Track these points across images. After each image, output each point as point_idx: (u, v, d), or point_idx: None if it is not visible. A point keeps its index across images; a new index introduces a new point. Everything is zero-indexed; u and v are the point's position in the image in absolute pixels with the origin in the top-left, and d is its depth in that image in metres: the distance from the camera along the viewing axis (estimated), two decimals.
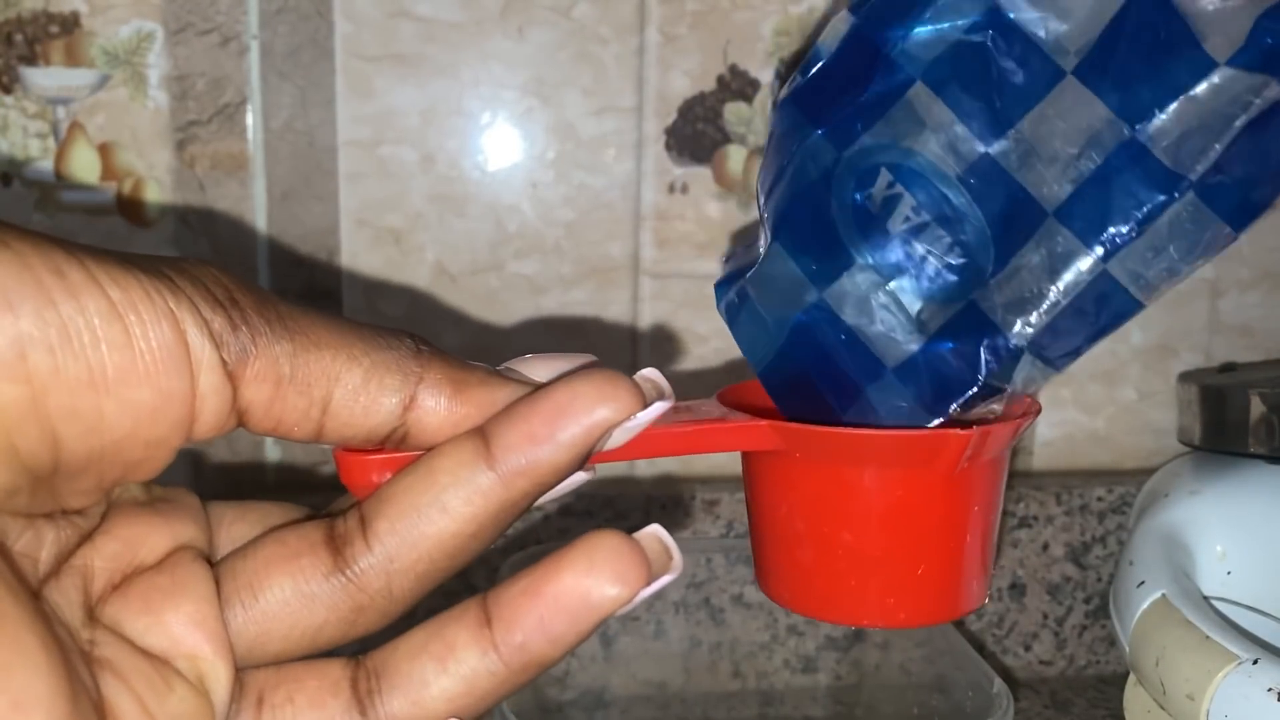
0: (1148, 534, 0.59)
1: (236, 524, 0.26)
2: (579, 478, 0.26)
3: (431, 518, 0.24)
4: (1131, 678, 0.56)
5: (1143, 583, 0.55)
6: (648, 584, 0.24)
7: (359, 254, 0.62)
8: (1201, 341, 0.70)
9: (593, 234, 0.64)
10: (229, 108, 0.60)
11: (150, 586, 0.23)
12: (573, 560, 0.24)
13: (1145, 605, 0.54)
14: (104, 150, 0.60)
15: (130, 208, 0.60)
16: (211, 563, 0.25)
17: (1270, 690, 0.46)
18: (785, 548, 0.31)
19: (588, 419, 0.23)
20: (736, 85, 0.63)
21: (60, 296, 0.19)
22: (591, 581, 0.24)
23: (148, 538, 0.24)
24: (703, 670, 0.64)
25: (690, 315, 0.65)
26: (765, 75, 0.63)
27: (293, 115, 0.61)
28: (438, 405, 0.24)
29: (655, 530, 0.25)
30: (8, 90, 0.58)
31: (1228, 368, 0.68)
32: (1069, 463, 0.71)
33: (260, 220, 0.61)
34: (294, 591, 0.24)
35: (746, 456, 0.33)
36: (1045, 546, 0.67)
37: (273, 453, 0.63)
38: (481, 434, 0.24)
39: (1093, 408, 0.70)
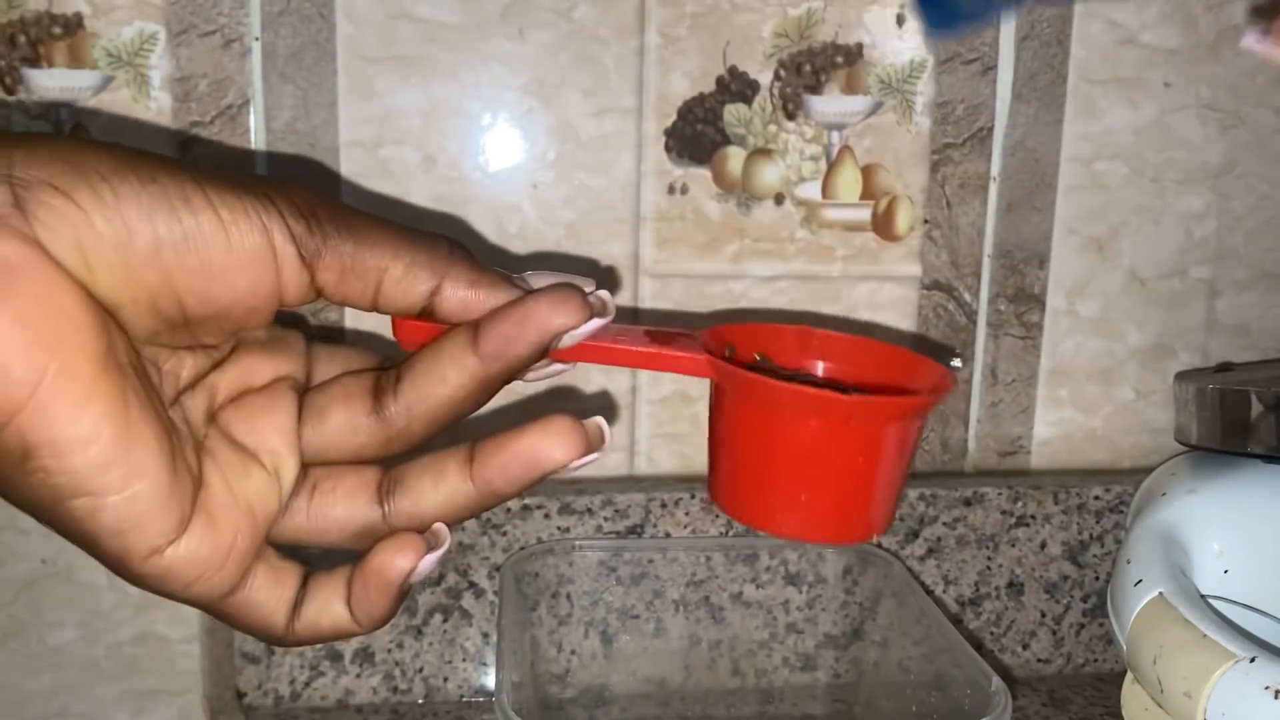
0: (1145, 533, 0.59)
1: (326, 362, 0.36)
2: (556, 368, 0.36)
3: (435, 384, 0.33)
4: (1129, 676, 0.57)
5: (1140, 581, 0.56)
6: (583, 455, 0.34)
7: None
8: (1198, 341, 0.70)
9: (593, 234, 0.64)
10: (231, 109, 0.60)
11: (253, 402, 0.33)
12: (534, 429, 0.33)
13: (1143, 604, 0.54)
14: None
15: None
16: (304, 390, 0.35)
17: (1267, 688, 0.46)
18: (716, 455, 0.39)
19: (545, 324, 0.33)
20: (736, 87, 0.64)
21: (185, 214, 0.29)
22: (543, 444, 0.33)
23: (259, 368, 0.34)
24: (702, 668, 0.65)
25: (690, 315, 0.65)
26: (765, 77, 0.64)
27: (295, 116, 0.61)
28: (455, 295, 0.33)
29: (597, 420, 0.35)
30: (11, 91, 0.59)
31: (1225, 367, 0.69)
32: (1066, 462, 0.71)
33: None
34: (346, 421, 0.34)
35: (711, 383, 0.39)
36: (1043, 545, 0.67)
37: None
38: (474, 327, 0.33)
39: (1090, 407, 0.70)
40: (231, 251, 0.29)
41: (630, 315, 0.65)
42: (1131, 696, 0.56)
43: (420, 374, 0.33)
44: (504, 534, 0.62)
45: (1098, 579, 0.68)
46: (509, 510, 0.62)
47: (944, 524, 0.66)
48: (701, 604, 0.64)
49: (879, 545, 0.65)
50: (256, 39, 0.60)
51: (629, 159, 0.64)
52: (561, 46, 0.62)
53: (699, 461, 0.67)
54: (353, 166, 0.62)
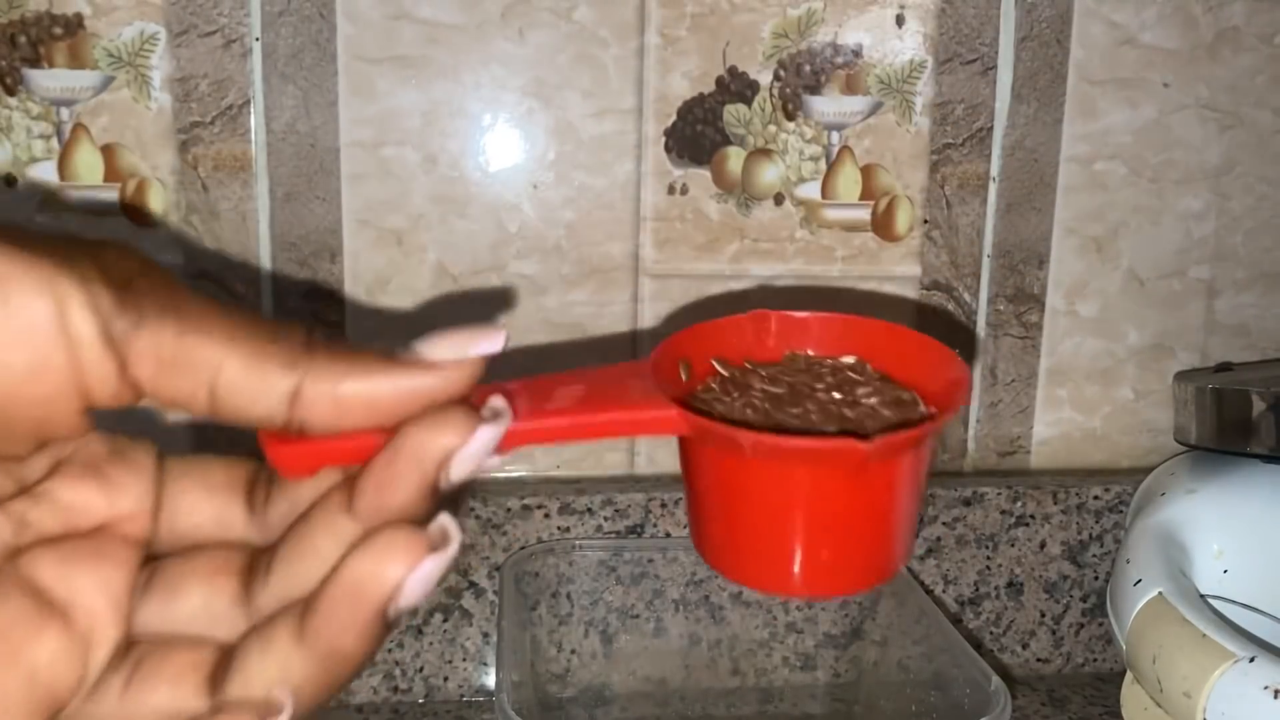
0: (1144, 532, 0.59)
1: (183, 479, 0.28)
2: (486, 434, 0.26)
3: (310, 563, 0.26)
4: (1128, 675, 0.57)
5: (1139, 581, 0.56)
6: (423, 564, 0.25)
7: (361, 254, 0.63)
8: (1198, 341, 0.71)
9: (593, 234, 0.64)
10: (232, 109, 0.60)
11: (75, 548, 0.26)
12: (357, 552, 0.25)
13: (1142, 603, 0.54)
14: (107, 151, 0.60)
15: (133, 209, 0.61)
16: (149, 539, 0.27)
17: (1267, 688, 0.47)
18: (702, 511, 0.32)
19: (420, 457, 0.26)
20: (736, 87, 0.64)
21: None
22: (368, 569, 0.25)
23: (87, 501, 0.27)
24: (702, 667, 0.65)
25: (690, 315, 0.65)
26: (764, 77, 0.64)
27: (295, 117, 0.61)
28: (320, 398, 0.25)
29: (441, 520, 0.26)
30: (11, 92, 0.59)
31: (1224, 367, 0.69)
32: (1066, 462, 0.71)
33: (263, 221, 0.61)
34: (204, 606, 0.27)
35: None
36: (1042, 545, 0.67)
37: None
38: (347, 485, 0.26)
39: (1090, 407, 0.70)
40: (6, 319, 0.23)
41: (630, 315, 0.65)
42: (1131, 696, 0.57)
43: (292, 551, 0.26)
44: (504, 534, 0.62)
45: (1097, 579, 0.68)
46: (509, 510, 0.62)
47: (943, 524, 0.66)
48: (701, 603, 0.64)
49: None
50: (257, 39, 0.60)
51: (629, 159, 0.64)
52: (561, 47, 0.62)
53: None
54: (353, 167, 0.62)
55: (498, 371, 0.27)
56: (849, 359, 0.35)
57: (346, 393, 0.25)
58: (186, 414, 0.25)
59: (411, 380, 0.26)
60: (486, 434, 0.26)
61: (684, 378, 0.33)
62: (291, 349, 0.25)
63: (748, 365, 0.35)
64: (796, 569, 0.31)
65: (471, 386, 0.27)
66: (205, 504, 0.28)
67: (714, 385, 0.34)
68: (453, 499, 0.27)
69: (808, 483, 0.30)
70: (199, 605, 0.27)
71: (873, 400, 0.33)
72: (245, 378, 0.25)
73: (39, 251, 0.23)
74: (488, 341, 0.27)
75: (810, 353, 0.36)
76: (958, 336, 0.68)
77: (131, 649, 0.27)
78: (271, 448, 0.27)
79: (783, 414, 0.32)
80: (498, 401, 0.27)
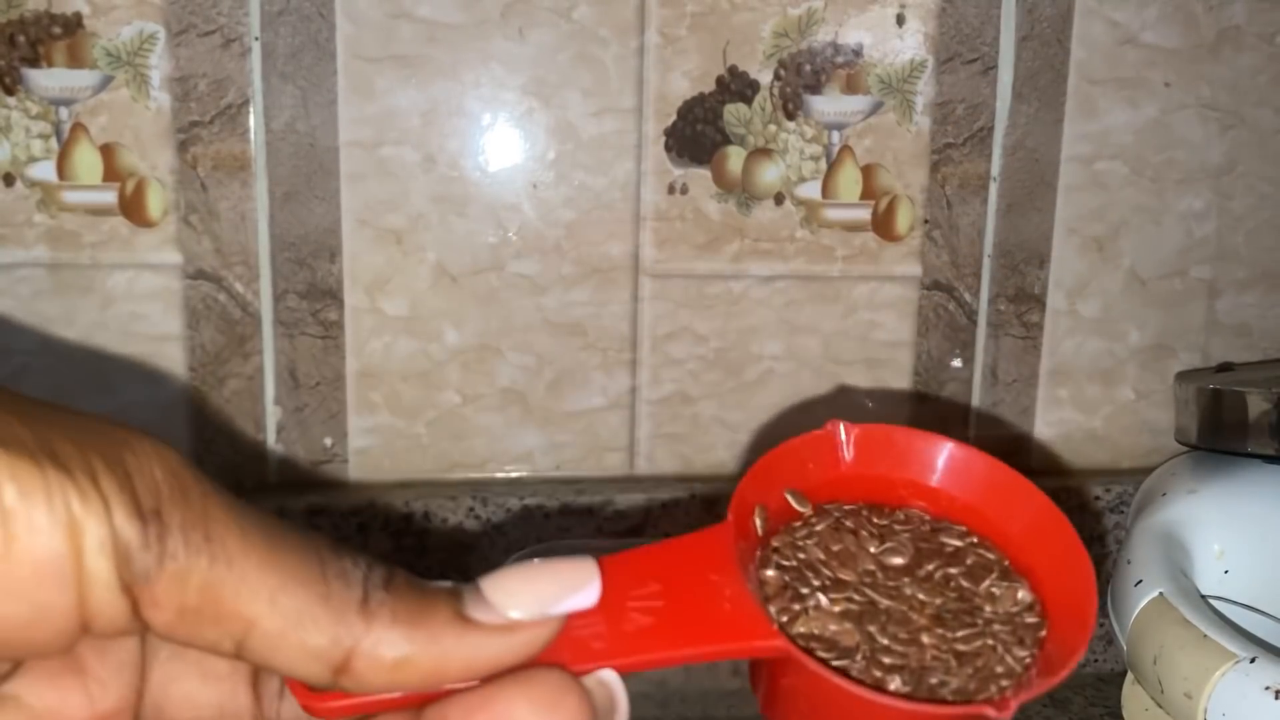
0: (1145, 533, 0.59)
1: (174, 662, 0.24)
2: None
3: None
4: (1129, 676, 0.57)
5: (1140, 581, 0.55)
6: None
7: (360, 254, 0.62)
8: (1199, 341, 0.70)
9: (593, 234, 0.64)
10: (231, 109, 0.60)
11: None
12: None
13: (1143, 604, 0.54)
14: (106, 151, 0.60)
15: (132, 208, 0.60)
16: (133, 717, 0.23)
17: (1268, 688, 0.46)
18: (787, 703, 0.28)
19: None
20: (736, 86, 0.64)
21: None
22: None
23: (65, 706, 0.22)
24: (703, 669, 0.65)
25: (690, 315, 0.65)
26: (765, 76, 0.64)
27: (294, 116, 0.61)
28: (377, 665, 0.21)
29: (607, 677, 0.23)
30: (10, 91, 0.59)
31: (1225, 367, 0.69)
32: (1067, 462, 0.71)
33: (262, 221, 0.61)
34: None
35: None
36: None
37: (275, 448, 0.63)
38: (417, 714, 0.22)
39: (1090, 407, 0.70)
40: (9, 562, 0.18)
41: (630, 315, 0.65)
42: (1132, 697, 0.56)
43: None
44: (504, 534, 0.62)
45: (1097, 579, 0.68)
46: (509, 510, 0.62)
47: None
48: None
49: None
50: (256, 38, 0.60)
51: (629, 159, 0.64)
52: (561, 46, 0.62)
53: (699, 461, 0.67)
54: (352, 166, 0.62)
55: None
56: (958, 535, 0.31)
57: (409, 659, 0.21)
58: (207, 652, 0.21)
59: (485, 647, 0.22)
60: None
61: (760, 530, 0.29)
62: (346, 603, 0.21)
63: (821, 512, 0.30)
64: None
65: (551, 643, 0.23)
66: (203, 692, 0.24)
67: (791, 534, 0.29)
68: None
69: None
70: None
71: (994, 616, 0.28)
72: (285, 638, 0.20)
73: (54, 452, 0.19)
74: (578, 594, 0.23)
75: (906, 512, 0.31)
76: (958, 336, 0.68)
77: None
78: (303, 696, 0.23)
79: (895, 637, 0.27)
80: (611, 680, 0.23)
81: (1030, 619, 0.29)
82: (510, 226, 0.63)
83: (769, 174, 0.65)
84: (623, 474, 0.67)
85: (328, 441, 0.64)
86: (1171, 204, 0.69)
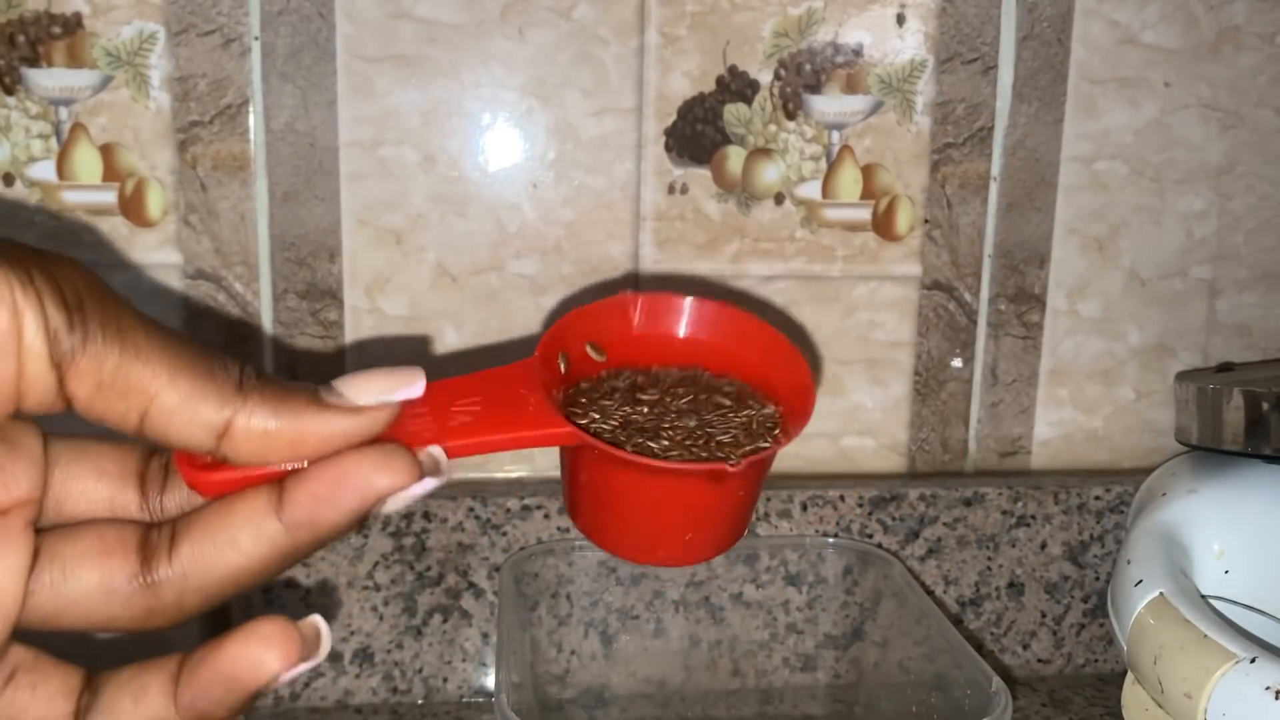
0: (1145, 533, 0.59)
1: (73, 464, 0.29)
2: (426, 485, 0.29)
3: (224, 551, 0.27)
4: (1129, 676, 0.57)
5: (1140, 581, 0.55)
6: (296, 664, 0.27)
7: (360, 254, 0.62)
8: (1199, 341, 0.70)
9: (593, 234, 0.64)
10: (231, 108, 0.60)
11: None
12: (238, 638, 0.27)
13: (1143, 604, 0.54)
14: (106, 151, 0.60)
15: (132, 208, 0.60)
16: (38, 519, 0.28)
17: (1268, 688, 0.46)
18: (582, 497, 0.37)
19: (365, 488, 0.28)
20: (736, 86, 0.64)
21: None
22: (248, 657, 0.27)
23: None
24: (702, 668, 0.65)
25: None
26: (764, 76, 0.64)
27: (294, 116, 0.61)
28: (249, 435, 0.27)
29: (313, 620, 0.28)
30: (10, 91, 0.59)
31: (1225, 367, 0.69)
32: (1067, 462, 0.71)
33: (262, 220, 0.61)
34: (99, 583, 0.28)
35: None
36: (1043, 545, 0.67)
37: None
38: (279, 486, 0.28)
39: (1091, 407, 0.70)
40: None
41: None
42: (1132, 697, 0.56)
43: (204, 537, 0.27)
44: (504, 534, 0.62)
45: (1098, 579, 0.68)
46: (509, 510, 0.62)
47: (944, 524, 0.66)
48: (701, 604, 0.64)
49: (879, 546, 0.65)
50: (256, 38, 0.60)
51: (629, 159, 0.64)
52: (561, 46, 0.62)
53: None
54: (352, 166, 0.62)
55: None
56: (702, 372, 0.39)
57: (274, 432, 0.27)
58: (114, 428, 0.26)
59: (337, 423, 0.28)
60: (428, 485, 0.29)
61: (563, 369, 0.37)
62: (226, 385, 0.27)
63: (615, 372, 0.39)
64: (664, 548, 0.37)
65: (390, 425, 0.29)
66: (97, 489, 0.29)
67: (592, 383, 0.38)
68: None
69: (680, 490, 0.35)
70: (95, 583, 0.28)
71: (729, 406, 0.37)
72: (179, 410, 0.26)
73: (3, 266, 0.24)
74: (408, 387, 0.29)
75: (674, 369, 0.39)
76: (959, 336, 0.68)
77: (7, 654, 0.28)
78: (187, 471, 0.28)
79: (660, 424, 0.36)
80: (437, 453, 0.30)
81: (768, 415, 0.37)
82: (510, 226, 0.63)
83: (769, 174, 0.65)
84: None
85: None
86: (1172, 204, 0.69)
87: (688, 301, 0.39)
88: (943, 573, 0.67)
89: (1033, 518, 0.67)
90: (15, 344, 0.24)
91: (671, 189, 0.64)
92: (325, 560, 0.61)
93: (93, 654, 0.29)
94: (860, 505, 0.65)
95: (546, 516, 0.63)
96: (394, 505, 0.29)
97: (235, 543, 0.27)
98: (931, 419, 0.69)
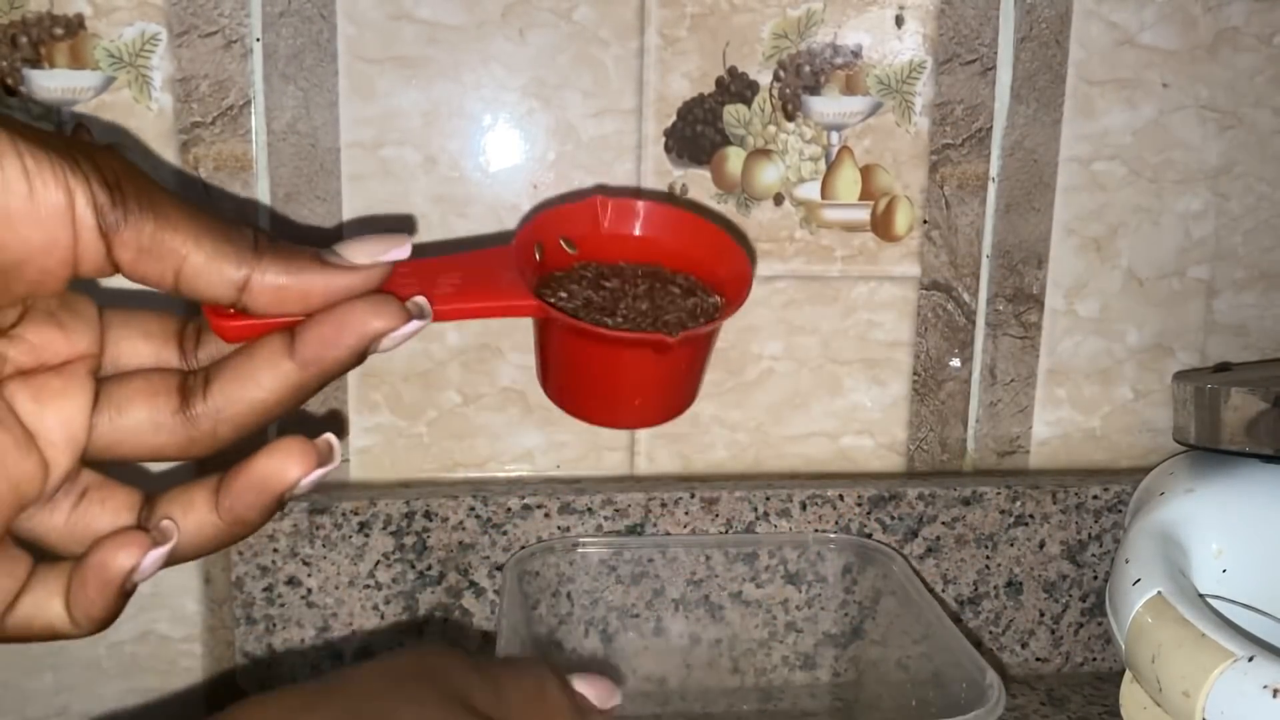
0: (1143, 532, 0.59)
1: (123, 328, 0.35)
2: (414, 326, 0.34)
3: (249, 387, 0.33)
4: (1128, 675, 0.57)
5: (1138, 580, 0.56)
6: (313, 470, 0.33)
7: None
8: (1197, 341, 0.71)
9: None
10: (232, 109, 0.61)
11: (45, 385, 0.32)
12: (264, 453, 0.33)
13: (1141, 603, 0.54)
14: None
15: None
16: (99, 370, 0.34)
17: (1266, 687, 0.47)
18: (550, 363, 0.42)
19: (363, 329, 0.33)
20: (735, 87, 0.64)
21: None
22: (273, 466, 0.33)
23: (52, 344, 0.32)
24: (702, 666, 0.65)
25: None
26: (764, 78, 0.64)
27: (296, 117, 0.61)
28: (265, 288, 0.32)
29: (327, 436, 0.34)
30: (12, 92, 0.59)
31: (1223, 367, 0.69)
32: (1065, 461, 0.71)
33: (264, 221, 0.62)
34: (148, 418, 0.33)
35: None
36: (1042, 544, 0.67)
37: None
38: (291, 332, 0.33)
39: (1089, 407, 0.71)
40: (32, 203, 0.28)
41: None
42: (1130, 695, 0.57)
43: (232, 377, 0.33)
44: (504, 533, 0.63)
45: (1096, 578, 0.68)
46: (509, 510, 0.62)
47: (943, 523, 0.66)
48: (701, 603, 0.64)
49: (879, 544, 0.65)
50: (258, 40, 0.60)
51: (629, 160, 0.64)
52: (562, 47, 0.62)
53: (699, 461, 0.68)
54: (354, 167, 0.62)
55: None
56: (661, 268, 0.44)
57: (285, 286, 0.32)
58: (154, 288, 0.31)
59: (338, 279, 0.33)
60: (414, 325, 0.34)
61: (539, 258, 0.42)
62: (243, 247, 0.32)
63: (584, 265, 0.43)
64: (618, 411, 0.43)
65: (383, 282, 0.34)
66: (144, 347, 0.35)
67: (564, 272, 0.42)
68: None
69: (630, 358, 0.40)
70: (144, 418, 0.33)
71: (678, 294, 0.42)
72: (206, 268, 0.31)
73: (52, 149, 0.29)
74: (398, 249, 0.34)
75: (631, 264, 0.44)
76: (957, 336, 0.68)
77: (79, 476, 0.33)
78: (215, 320, 0.34)
79: (617, 305, 0.41)
80: (422, 301, 0.34)
81: (712, 304, 0.42)
82: (511, 227, 0.64)
83: (768, 174, 0.65)
84: (623, 473, 0.67)
85: None
86: (1169, 204, 0.69)
87: (649, 205, 0.44)
88: (941, 572, 0.67)
89: (1031, 517, 0.67)
90: (70, 218, 0.29)
91: (671, 189, 0.64)
92: (327, 559, 0.62)
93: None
94: (859, 504, 0.65)
95: (547, 515, 0.63)
96: (388, 345, 0.33)
97: (257, 380, 0.33)
98: (930, 419, 0.69)
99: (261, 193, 0.61)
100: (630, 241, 0.44)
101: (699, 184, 0.64)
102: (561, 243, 0.43)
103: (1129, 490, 0.67)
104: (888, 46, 0.65)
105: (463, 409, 0.65)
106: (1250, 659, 0.48)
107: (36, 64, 0.59)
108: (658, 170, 0.64)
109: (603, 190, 0.64)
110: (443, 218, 0.63)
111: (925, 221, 0.67)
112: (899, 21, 0.64)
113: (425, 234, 0.63)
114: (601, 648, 0.64)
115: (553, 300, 0.40)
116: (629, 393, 0.42)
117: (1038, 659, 0.69)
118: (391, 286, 0.34)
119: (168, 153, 0.60)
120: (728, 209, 0.65)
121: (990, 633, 0.68)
